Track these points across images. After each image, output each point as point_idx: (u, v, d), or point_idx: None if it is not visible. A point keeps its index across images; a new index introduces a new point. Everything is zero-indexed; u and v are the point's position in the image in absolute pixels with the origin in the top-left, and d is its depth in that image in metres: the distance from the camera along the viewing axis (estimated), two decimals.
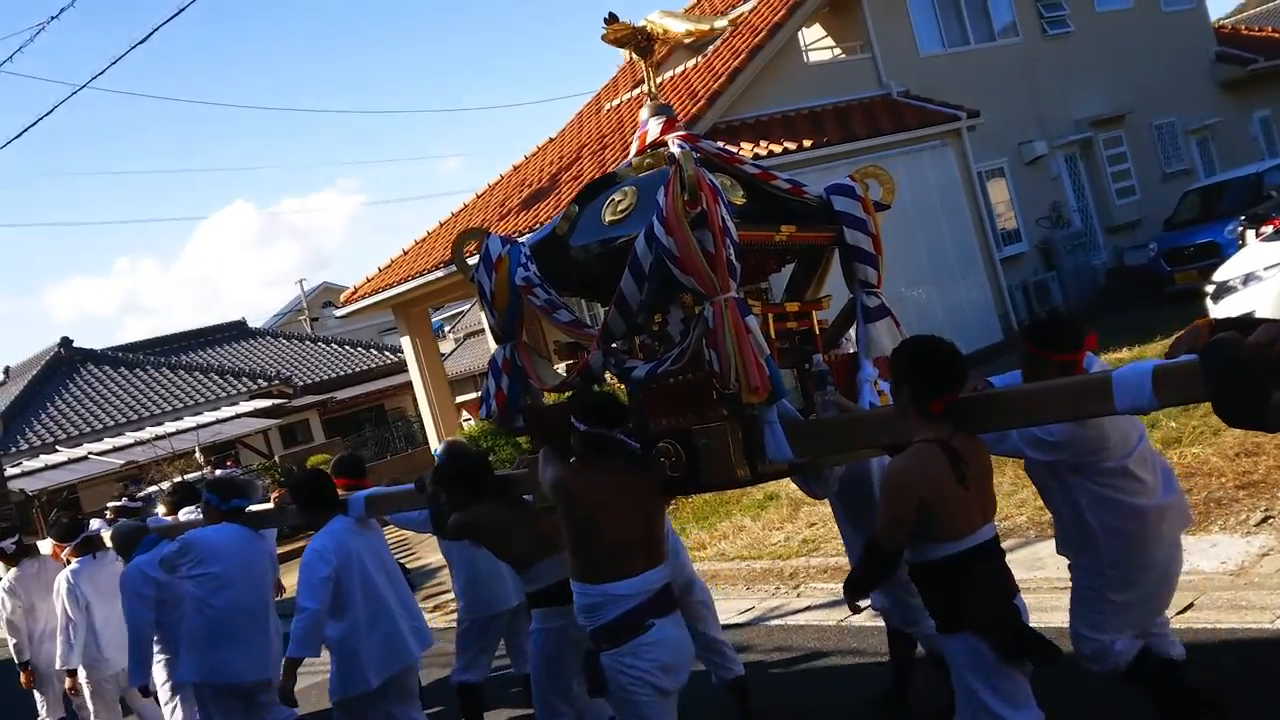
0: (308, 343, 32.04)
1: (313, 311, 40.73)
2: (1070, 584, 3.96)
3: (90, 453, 22.11)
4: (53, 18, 12.84)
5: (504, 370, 4.31)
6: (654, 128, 4.31)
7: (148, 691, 6.07)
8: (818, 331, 4.25)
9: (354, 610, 4.97)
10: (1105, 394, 2.99)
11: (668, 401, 3.93)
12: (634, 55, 4.44)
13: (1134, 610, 3.81)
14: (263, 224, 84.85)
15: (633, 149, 4.42)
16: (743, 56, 14.31)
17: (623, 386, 4.23)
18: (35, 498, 20.58)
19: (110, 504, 8.37)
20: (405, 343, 18.39)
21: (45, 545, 7.45)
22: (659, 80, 16.03)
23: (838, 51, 16.17)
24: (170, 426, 23.84)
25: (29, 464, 22.14)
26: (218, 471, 21.21)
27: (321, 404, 27.52)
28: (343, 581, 4.94)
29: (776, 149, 13.13)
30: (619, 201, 4.16)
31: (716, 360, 3.63)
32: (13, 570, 7.44)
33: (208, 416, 24.11)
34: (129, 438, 23.32)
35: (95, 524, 7.34)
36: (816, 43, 16.24)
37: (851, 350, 4.45)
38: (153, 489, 20.68)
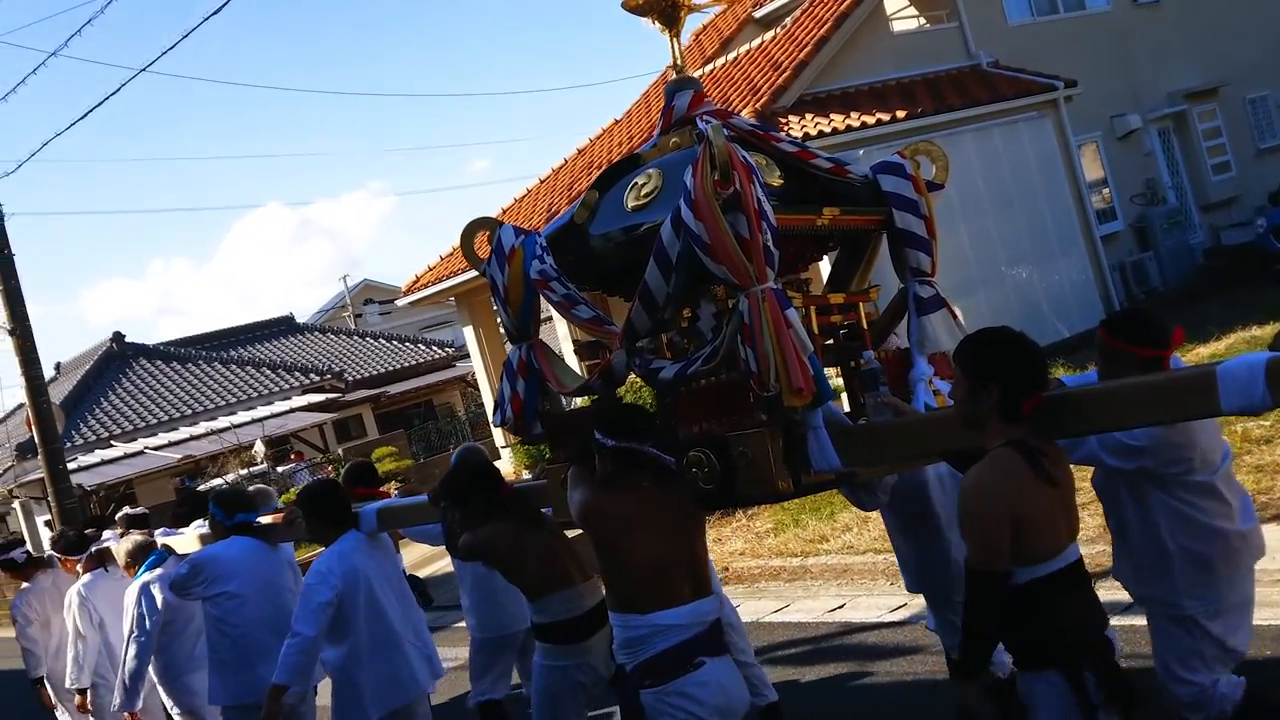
0: (356, 338, 32.00)
1: (354, 308, 40.73)
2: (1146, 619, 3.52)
3: (146, 447, 22.19)
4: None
5: (519, 373, 3.93)
6: (680, 103, 3.90)
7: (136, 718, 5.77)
8: (865, 326, 3.83)
9: (355, 636, 4.61)
10: (1209, 392, 2.56)
11: (699, 405, 3.53)
12: (657, 24, 4.03)
13: (1230, 639, 3.36)
14: (295, 224, 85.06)
15: (657, 128, 4.02)
16: (828, 25, 13.75)
17: (649, 390, 3.85)
18: (93, 493, 20.64)
19: (119, 514, 8.04)
20: (468, 333, 17.92)
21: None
22: (733, 55, 15.81)
23: (922, 21, 15.52)
24: (224, 421, 23.93)
25: (84, 459, 22.17)
26: (281, 469, 21.15)
27: (375, 398, 27.53)
28: (346, 607, 4.58)
29: (869, 120, 12.60)
30: (642, 185, 3.77)
31: (753, 359, 3.23)
32: (25, 585, 7.15)
33: (262, 411, 24.16)
34: (184, 432, 23.43)
35: (107, 535, 7.03)
36: (899, 11, 15.54)
37: (900, 346, 4.04)
38: (213, 483, 20.77)
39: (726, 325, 3.38)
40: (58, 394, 24.73)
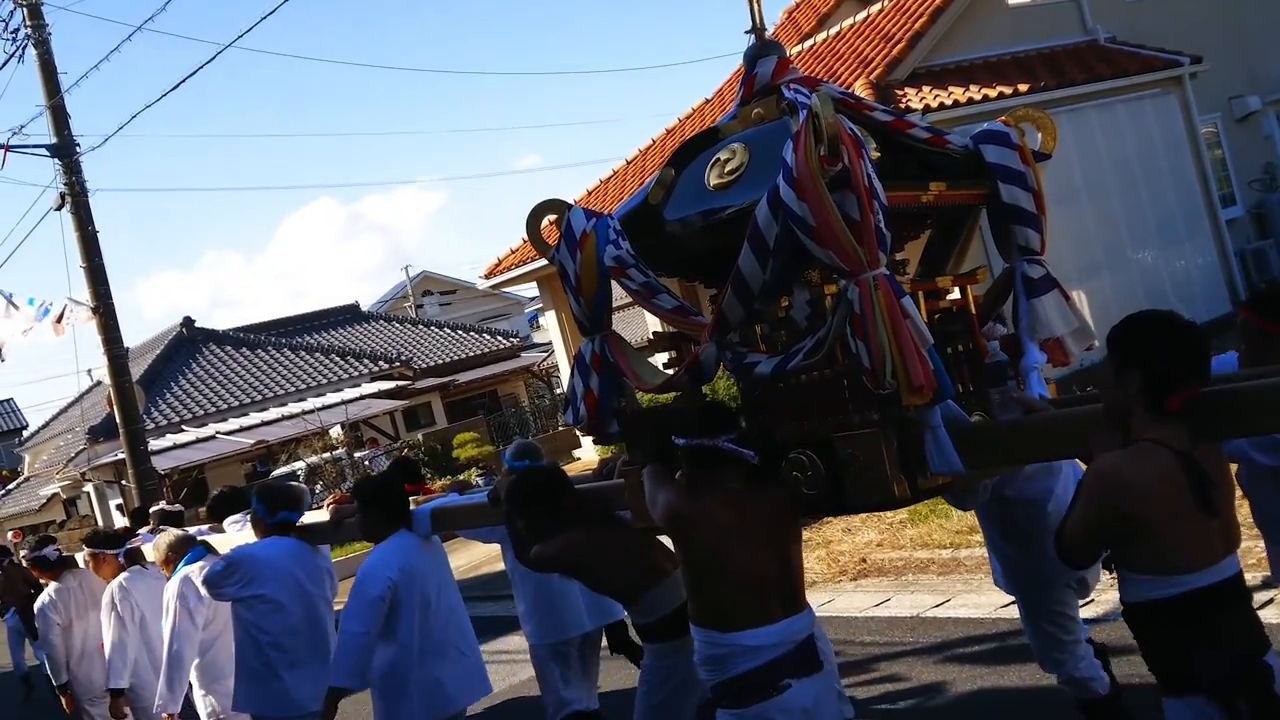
0: (421, 327, 31.94)
1: (415, 299, 40.62)
2: None
3: (218, 432, 22.14)
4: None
5: (593, 368, 3.62)
6: (763, 70, 3.56)
7: None
8: (974, 311, 3.51)
9: (407, 639, 4.36)
10: None
11: (799, 403, 3.22)
12: None
13: None
14: (346, 219, 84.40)
15: (737, 98, 3.68)
16: None
17: (727, 387, 3.54)
18: (166, 476, 20.51)
19: (154, 509, 7.78)
20: (550, 318, 17.79)
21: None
22: (835, 29, 15.25)
23: None
24: (295, 406, 23.87)
25: (156, 443, 21.88)
26: (358, 454, 20.99)
27: (444, 387, 27.45)
28: (399, 605, 4.32)
29: (990, 93, 12.19)
30: (726, 162, 3.44)
31: (866, 353, 2.92)
32: (54, 584, 6.90)
33: (332, 397, 24.05)
34: (254, 418, 23.41)
35: (142, 534, 6.77)
36: None
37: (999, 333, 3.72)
38: (288, 469, 20.69)
39: (832, 316, 3.06)
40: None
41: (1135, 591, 2.72)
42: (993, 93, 12.26)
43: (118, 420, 14.63)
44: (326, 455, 19.98)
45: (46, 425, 33.82)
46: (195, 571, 5.27)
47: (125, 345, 14.67)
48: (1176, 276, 13.71)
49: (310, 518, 5.24)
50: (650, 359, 3.68)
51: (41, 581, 7.22)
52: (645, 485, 3.33)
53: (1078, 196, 12.50)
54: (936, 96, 12.00)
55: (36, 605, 6.89)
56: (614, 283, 3.56)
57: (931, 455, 3.02)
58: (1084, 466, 2.90)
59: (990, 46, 13.78)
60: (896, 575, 7.62)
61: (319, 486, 17.99)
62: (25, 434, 38.41)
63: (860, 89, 11.96)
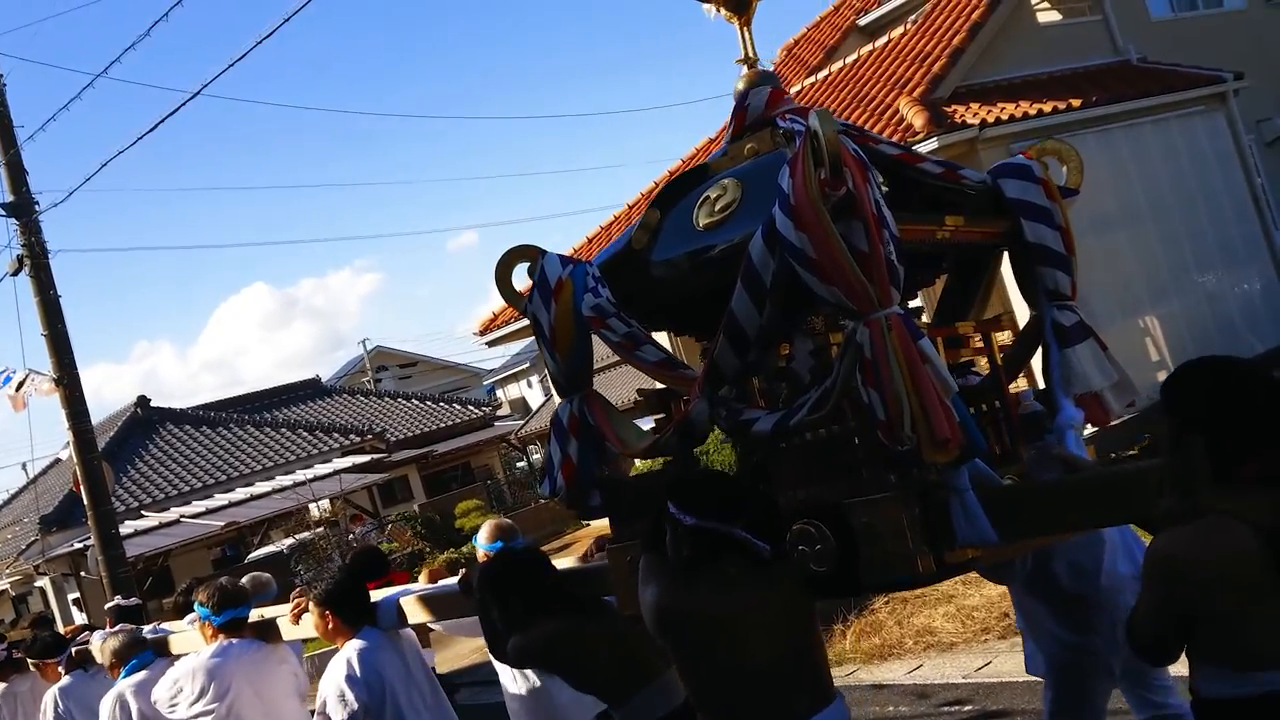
0: (387, 399, 31.03)
1: (371, 375, 39.91)
2: None
3: (182, 516, 20.84)
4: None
5: (571, 432, 3.20)
6: (755, 102, 3.23)
7: None
8: (1000, 362, 3.10)
9: None
10: None
11: (804, 465, 2.81)
12: (723, 12, 3.37)
13: None
14: (279, 304, 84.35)
15: (727, 133, 3.34)
16: (980, 10, 13.07)
17: (725, 451, 3.13)
18: (132, 564, 19.50)
19: (109, 604, 7.26)
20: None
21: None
22: (852, 57, 15.11)
23: (1056, 15, 14.80)
24: (264, 486, 22.49)
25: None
26: (356, 530, 19.63)
27: (420, 459, 26.47)
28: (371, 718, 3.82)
29: (1045, 108, 11.91)
30: (716, 199, 3.08)
31: (880, 404, 2.51)
32: (1, 685, 6.38)
33: (303, 474, 22.62)
34: (220, 499, 22.05)
35: (98, 635, 6.27)
36: (1039, 4, 14.77)
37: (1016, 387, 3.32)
38: (269, 550, 19.61)
39: (839, 363, 2.67)
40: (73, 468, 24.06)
41: (1208, 685, 2.28)
42: (1047, 108, 12.03)
43: (85, 502, 13.58)
44: (319, 530, 19.10)
45: None
46: (130, 688, 4.79)
47: (90, 419, 13.72)
48: (1240, 300, 13.19)
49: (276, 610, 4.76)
50: (638, 420, 3.28)
51: None
52: (639, 574, 2.88)
53: (1141, 217, 12.16)
54: (991, 112, 11.73)
55: None
56: (595, 336, 3.18)
57: (959, 524, 2.60)
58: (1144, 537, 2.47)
59: (1025, 66, 13.58)
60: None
61: (300, 567, 17.14)
62: None
63: (906, 106, 11.73)
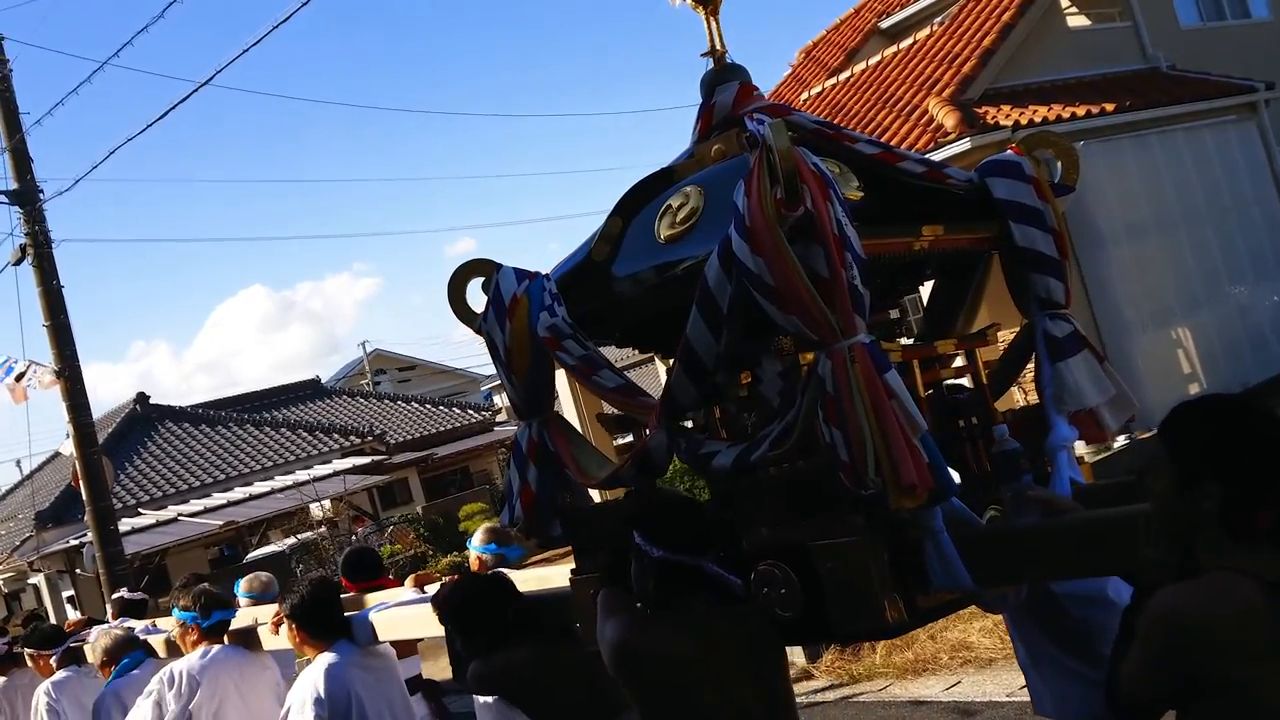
0: (387, 401, 30.67)
1: (370, 377, 39.45)
2: None
3: (180, 514, 20.53)
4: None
5: (530, 458, 3.03)
6: (722, 99, 3.00)
7: None
8: (985, 382, 2.88)
9: None
10: None
11: (769, 503, 2.61)
12: (689, 0, 3.13)
13: None
14: (276, 307, 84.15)
15: (693, 132, 3.11)
16: (1012, 10, 12.84)
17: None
18: (129, 562, 19.43)
19: (114, 596, 7.23)
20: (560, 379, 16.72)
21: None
22: (875, 59, 14.78)
23: (1085, 20, 14.50)
24: (262, 486, 22.14)
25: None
26: (358, 531, 19.39)
27: (420, 462, 26.05)
28: None
29: (1079, 111, 11.68)
30: (678, 208, 2.87)
31: (843, 444, 2.31)
32: (1, 679, 6.36)
33: (302, 474, 22.24)
34: (218, 498, 21.68)
35: (96, 631, 6.22)
36: (1069, 8, 14.50)
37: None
38: (271, 549, 19.53)
39: (802, 395, 2.47)
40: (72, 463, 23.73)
41: None
42: (1080, 111, 11.75)
43: (84, 497, 13.24)
44: (321, 531, 19.00)
45: None
46: (124, 688, 4.71)
47: (91, 412, 13.44)
48: (1272, 312, 12.82)
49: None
50: (609, 445, 3.10)
51: None
52: (598, 609, 2.72)
53: (1174, 224, 11.84)
54: (1024, 114, 11.47)
55: None
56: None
57: (933, 567, 2.40)
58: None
59: (1054, 70, 13.31)
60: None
61: (300, 568, 17.09)
62: None
63: (936, 107, 11.50)
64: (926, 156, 3.07)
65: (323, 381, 33.14)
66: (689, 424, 2.95)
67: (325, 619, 3.93)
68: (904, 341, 3.04)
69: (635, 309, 2.98)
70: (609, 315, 3.02)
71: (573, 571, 3.07)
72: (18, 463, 27.23)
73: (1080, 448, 2.99)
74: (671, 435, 2.70)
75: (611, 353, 3.12)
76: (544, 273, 3.08)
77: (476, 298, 3.13)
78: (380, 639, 3.91)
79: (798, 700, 7.39)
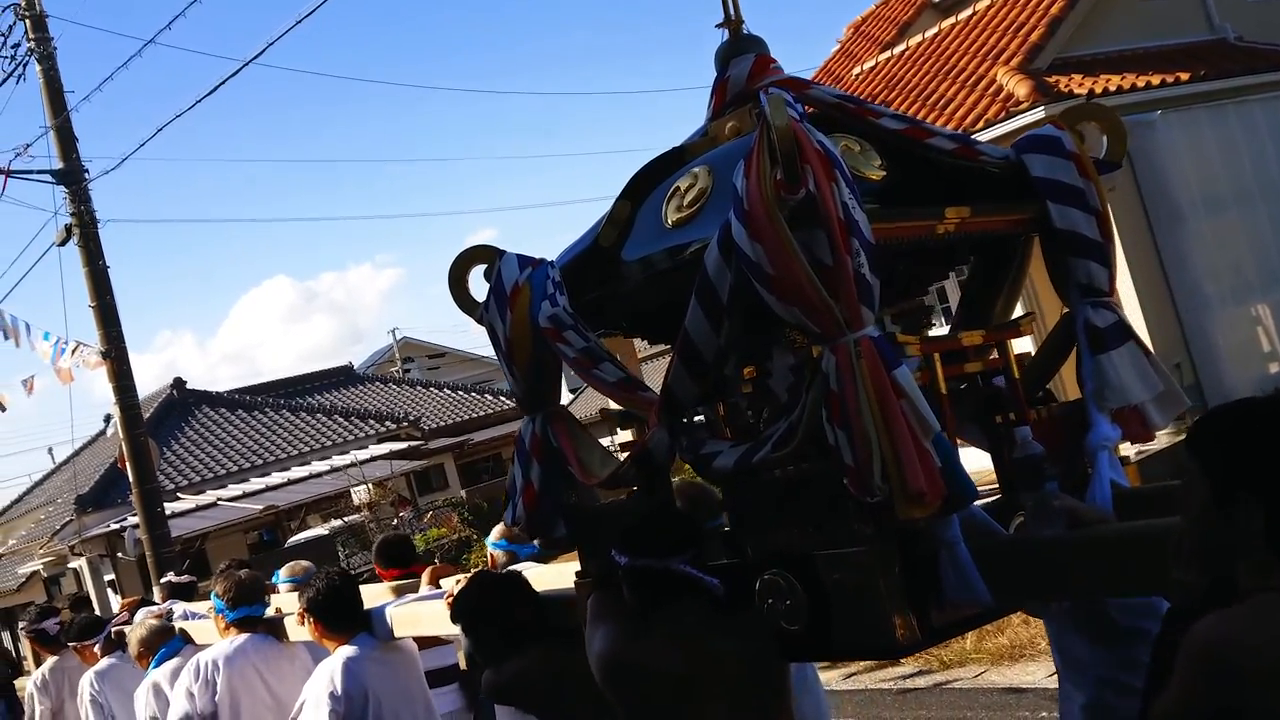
0: (420, 388, 30.77)
1: (399, 365, 39.60)
2: None
3: (219, 499, 20.60)
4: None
5: (533, 454, 2.89)
6: (737, 72, 2.80)
7: None
8: (1017, 376, 2.66)
9: None
10: None
11: (774, 505, 2.43)
12: None
13: None
14: (300, 297, 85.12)
15: (708, 108, 2.93)
16: None
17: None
18: (172, 545, 19.53)
19: (162, 580, 7.28)
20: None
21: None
22: (945, 24, 14.57)
23: None
24: (300, 471, 22.21)
25: None
26: (401, 515, 19.42)
27: (457, 447, 26.07)
28: None
29: (1154, 80, 11.30)
30: (686, 191, 2.69)
31: (847, 446, 2.13)
32: (51, 660, 6.43)
33: (339, 459, 22.33)
34: (256, 483, 21.77)
35: (141, 612, 6.26)
36: None
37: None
38: (300, 536, 19.71)
39: (806, 391, 2.28)
40: (112, 448, 22.86)
41: None
42: (1155, 80, 11.29)
43: (130, 478, 13.11)
44: (364, 514, 19.00)
45: (20, 500, 30.87)
46: (165, 676, 4.70)
47: (137, 394, 13.39)
48: None
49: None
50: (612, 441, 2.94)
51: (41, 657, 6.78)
52: (588, 615, 2.57)
53: (1251, 198, 11.34)
54: (1096, 83, 11.06)
55: (28, 685, 6.44)
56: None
57: (949, 580, 2.21)
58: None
59: (1121, 41, 12.81)
60: None
61: (345, 551, 17.11)
62: None
63: (1005, 76, 11.19)
64: (958, 132, 2.84)
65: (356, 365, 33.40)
66: (701, 418, 2.80)
67: (344, 612, 3.85)
68: (937, 331, 2.83)
69: (643, 298, 2.81)
70: (616, 304, 2.85)
71: (577, 574, 2.92)
72: (49, 450, 27.78)
73: (1125, 446, 2.74)
74: (673, 433, 2.53)
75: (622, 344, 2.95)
76: (549, 259, 2.92)
77: (480, 287, 2.99)
78: (397, 634, 3.81)
79: (887, 687, 7.18)
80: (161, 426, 24.37)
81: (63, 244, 12.84)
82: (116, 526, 18.86)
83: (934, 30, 14.41)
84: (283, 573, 5.62)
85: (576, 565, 3.03)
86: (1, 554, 28.22)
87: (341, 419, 25.70)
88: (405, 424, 25.44)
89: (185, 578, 6.89)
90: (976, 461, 2.61)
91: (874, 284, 2.18)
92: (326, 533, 18.86)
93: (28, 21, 12.72)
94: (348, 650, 3.76)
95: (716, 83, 2.87)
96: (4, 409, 14.14)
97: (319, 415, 25.93)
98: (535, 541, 3.67)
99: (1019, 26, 12.46)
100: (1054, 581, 2.14)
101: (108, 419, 26.53)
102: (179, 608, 5.65)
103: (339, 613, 3.83)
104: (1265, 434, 1.74)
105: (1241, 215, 11.25)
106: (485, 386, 32.44)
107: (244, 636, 4.42)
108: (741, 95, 2.80)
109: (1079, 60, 12.15)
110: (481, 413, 28.62)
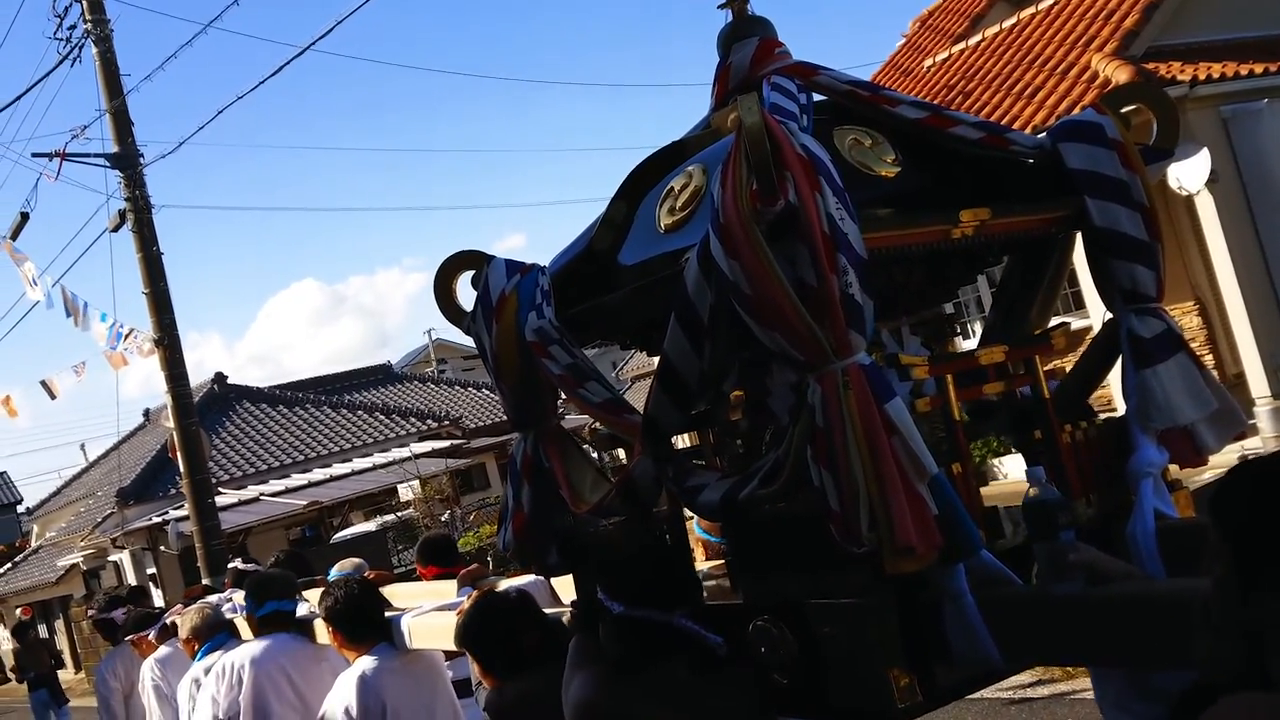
0: (458, 388, 30.43)
1: (434, 366, 39.11)
2: None
3: (261, 494, 20.27)
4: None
5: (524, 475, 2.70)
6: (739, 59, 2.55)
7: None
8: (1046, 395, 2.37)
9: None
10: None
11: (766, 547, 2.21)
12: None
13: None
14: (327, 301, 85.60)
15: (711, 99, 2.68)
16: None
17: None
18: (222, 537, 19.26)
19: (230, 565, 7.33)
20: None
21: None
22: (1011, 20, 13.95)
23: None
24: (342, 467, 21.92)
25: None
26: (446, 513, 19.35)
27: (499, 447, 25.31)
28: None
29: (1257, 69, 10.68)
30: (680, 190, 2.46)
31: (833, 490, 1.89)
32: (120, 649, 6.53)
33: (380, 457, 21.91)
34: (298, 478, 21.34)
35: (214, 598, 6.30)
36: None
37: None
38: (346, 532, 19.72)
39: (793, 424, 2.05)
40: (153, 441, 22.94)
41: None
42: (1258, 68, 10.62)
43: (181, 468, 12.83)
44: (412, 511, 18.78)
45: (59, 492, 30.35)
46: (203, 671, 4.67)
47: (189, 383, 13.09)
48: None
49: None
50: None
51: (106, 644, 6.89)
52: (568, 657, 2.39)
53: None
54: (1198, 70, 10.43)
55: (96, 670, 6.54)
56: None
57: (955, 636, 1.96)
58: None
59: (1217, 30, 12.04)
60: None
61: (399, 546, 16.97)
62: (28, 505, 33.60)
63: (1100, 62, 10.67)
64: (987, 120, 2.55)
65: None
66: (712, 438, 2.57)
67: (362, 622, 3.74)
68: (965, 346, 2.56)
69: (639, 307, 2.59)
70: (611, 313, 2.64)
71: (572, 604, 2.73)
72: (82, 446, 27.89)
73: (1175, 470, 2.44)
74: (658, 463, 2.31)
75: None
76: (539, 265, 2.72)
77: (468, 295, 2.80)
78: (412, 646, 3.69)
79: (1005, 696, 6.86)
80: (203, 420, 24.06)
81: (115, 230, 12.76)
82: (159, 520, 18.93)
83: (1012, 20, 13.78)
84: (335, 569, 5.58)
85: None
86: (40, 546, 28.32)
87: (383, 416, 25.51)
88: (446, 423, 25.23)
89: (251, 565, 6.91)
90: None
91: (865, 305, 1.93)
92: (375, 528, 18.80)
93: (84, 3, 12.62)
94: (366, 662, 3.65)
95: (719, 70, 2.62)
96: (54, 396, 14.14)
97: (359, 412, 25.75)
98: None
99: (1110, 13, 11.82)
100: (1068, 645, 1.88)
101: (147, 413, 26.64)
102: (239, 597, 5.65)
103: (358, 623, 3.72)
104: None
105: None
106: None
107: (272, 637, 4.35)
108: (745, 83, 2.55)
109: (1173, 49, 11.47)
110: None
